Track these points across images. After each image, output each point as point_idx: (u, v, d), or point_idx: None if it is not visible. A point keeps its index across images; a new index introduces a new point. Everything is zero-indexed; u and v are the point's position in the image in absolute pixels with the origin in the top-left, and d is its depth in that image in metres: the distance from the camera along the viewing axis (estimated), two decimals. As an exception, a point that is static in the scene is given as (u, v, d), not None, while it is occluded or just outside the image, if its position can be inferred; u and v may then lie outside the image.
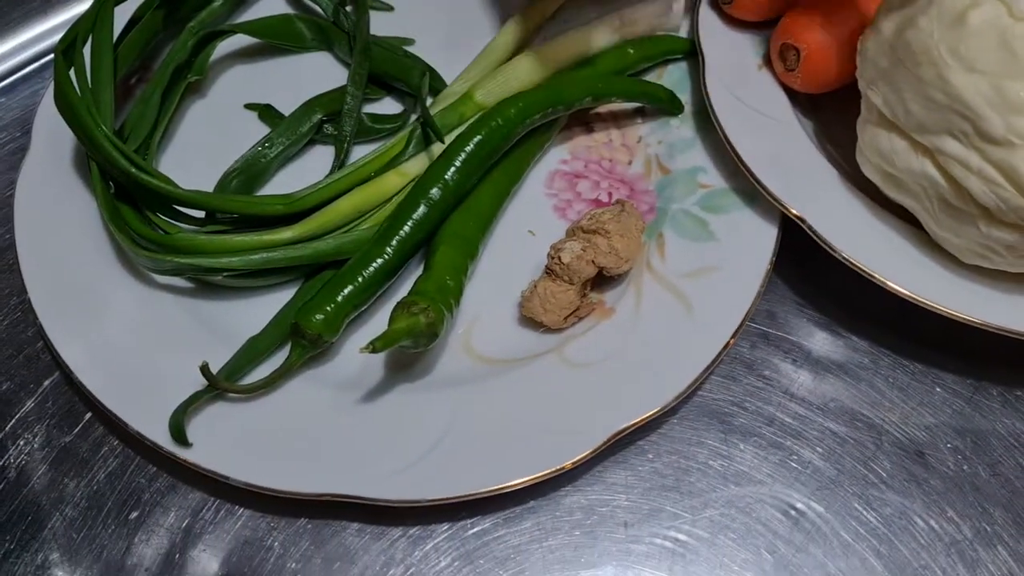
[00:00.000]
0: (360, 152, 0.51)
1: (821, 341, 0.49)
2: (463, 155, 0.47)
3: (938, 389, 0.48)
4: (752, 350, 0.49)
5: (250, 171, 0.51)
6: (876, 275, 0.45)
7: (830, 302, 0.50)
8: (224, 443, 0.42)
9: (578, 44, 0.53)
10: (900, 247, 0.47)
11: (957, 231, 0.45)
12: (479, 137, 0.48)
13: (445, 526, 0.43)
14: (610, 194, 0.52)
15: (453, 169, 0.47)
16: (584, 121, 0.55)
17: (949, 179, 0.43)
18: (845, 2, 0.51)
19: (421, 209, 0.46)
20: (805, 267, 0.50)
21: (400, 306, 0.42)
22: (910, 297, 0.45)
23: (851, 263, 0.46)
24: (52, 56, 0.54)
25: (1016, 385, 0.48)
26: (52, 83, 0.48)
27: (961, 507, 0.44)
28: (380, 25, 0.58)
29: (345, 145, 0.52)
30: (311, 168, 0.52)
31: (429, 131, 0.50)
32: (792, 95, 0.53)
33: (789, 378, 0.48)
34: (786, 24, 0.52)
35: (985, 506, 0.44)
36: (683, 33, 0.57)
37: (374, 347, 0.40)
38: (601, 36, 0.54)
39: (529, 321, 0.47)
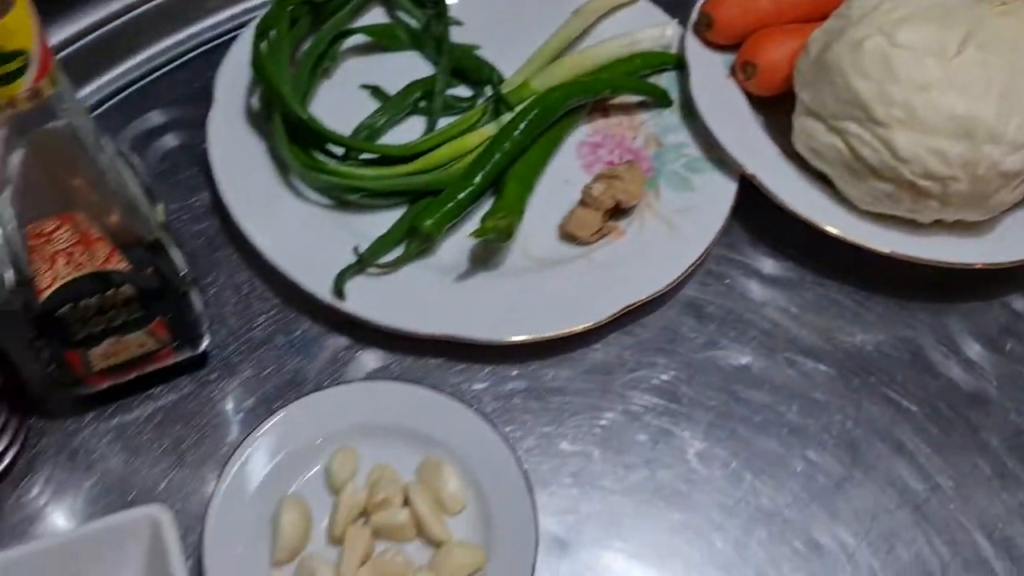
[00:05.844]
0: (443, 123, 0.73)
1: (765, 263, 0.71)
2: (524, 122, 0.69)
3: (849, 302, 0.70)
4: (718, 265, 0.70)
5: (369, 131, 0.72)
6: (803, 215, 0.67)
7: (772, 237, 0.72)
8: (365, 301, 0.63)
9: (600, 54, 0.76)
10: (818, 198, 0.69)
11: (856, 186, 0.67)
12: (535, 111, 0.69)
13: (515, 369, 0.64)
14: (621, 157, 0.74)
15: (518, 131, 0.68)
16: (603, 109, 0.77)
17: (851, 149, 0.66)
18: (790, 33, 0.74)
19: (496, 156, 0.68)
20: (756, 213, 0.72)
21: (489, 214, 0.64)
22: (826, 231, 0.67)
23: (786, 207, 0.68)
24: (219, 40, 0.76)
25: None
26: (226, 56, 0.71)
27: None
28: (454, 35, 0.79)
29: (434, 116, 0.73)
30: (409, 131, 0.74)
31: (500, 106, 0.72)
32: (749, 96, 0.75)
33: (744, 285, 0.69)
34: (748, 46, 0.74)
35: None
36: (674, 50, 0.79)
37: (476, 233, 0.61)
38: (615, 50, 0.76)
39: (568, 236, 0.68)
